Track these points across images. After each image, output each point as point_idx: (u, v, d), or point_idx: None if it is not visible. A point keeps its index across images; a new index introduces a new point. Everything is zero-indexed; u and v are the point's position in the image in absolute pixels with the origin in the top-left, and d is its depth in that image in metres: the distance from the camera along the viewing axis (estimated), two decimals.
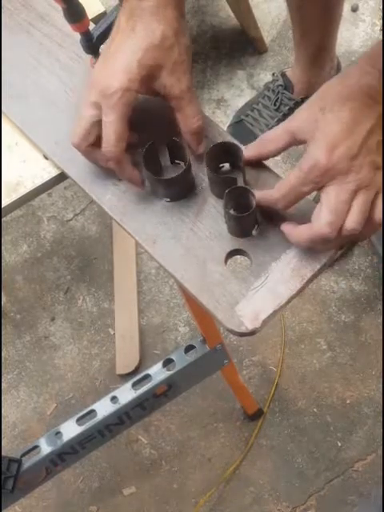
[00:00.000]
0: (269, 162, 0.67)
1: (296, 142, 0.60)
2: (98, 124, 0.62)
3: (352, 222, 0.57)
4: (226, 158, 0.66)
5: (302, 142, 0.59)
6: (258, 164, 0.66)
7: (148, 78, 0.61)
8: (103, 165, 0.66)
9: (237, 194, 0.61)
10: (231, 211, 0.61)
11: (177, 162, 0.68)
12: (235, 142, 0.65)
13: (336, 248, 0.62)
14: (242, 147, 0.65)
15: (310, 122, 0.58)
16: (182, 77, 0.61)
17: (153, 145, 0.65)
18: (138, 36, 0.60)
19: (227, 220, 0.64)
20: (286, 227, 0.61)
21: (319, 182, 0.57)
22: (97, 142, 0.64)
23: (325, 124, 0.57)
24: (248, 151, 0.64)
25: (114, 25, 0.63)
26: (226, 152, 0.65)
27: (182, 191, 0.66)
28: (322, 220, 0.56)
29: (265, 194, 0.61)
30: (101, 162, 0.66)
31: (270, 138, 0.62)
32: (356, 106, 0.57)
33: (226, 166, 0.68)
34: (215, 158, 0.64)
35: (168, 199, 0.67)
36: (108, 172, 0.69)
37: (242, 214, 0.60)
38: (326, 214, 0.56)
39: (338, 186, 0.56)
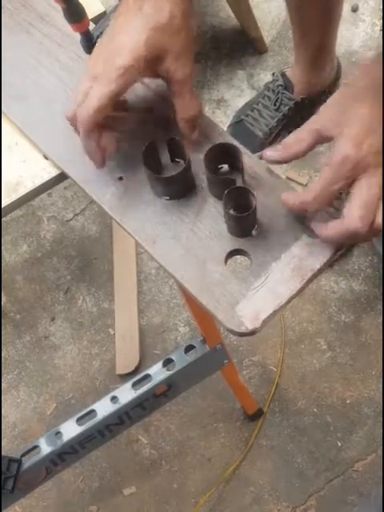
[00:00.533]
0: (269, 164, 0.66)
1: (322, 140, 0.60)
2: None
3: (381, 218, 0.57)
4: (225, 159, 0.66)
5: (329, 139, 0.59)
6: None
7: (153, 60, 0.60)
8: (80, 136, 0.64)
9: (237, 194, 0.61)
10: (231, 211, 0.61)
11: (177, 160, 0.68)
12: (234, 142, 0.65)
13: (362, 241, 0.62)
14: (241, 148, 0.65)
15: (334, 119, 0.58)
16: (186, 62, 0.61)
17: (152, 143, 0.65)
18: (146, 15, 0.59)
19: (227, 220, 0.64)
20: (316, 225, 0.61)
21: (350, 176, 0.57)
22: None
23: (351, 119, 0.57)
24: (272, 154, 0.62)
25: (120, 3, 0.62)
26: (225, 153, 0.65)
27: (181, 189, 0.66)
28: (355, 214, 0.56)
29: (296, 195, 0.60)
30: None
31: (294, 140, 0.61)
32: (377, 103, 0.57)
33: (225, 167, 0.68)
34: (214, 158, 0.64)
35: (167, 197, 0.67)
36: (108, 172, 0.69)
37: (242, 214, 0.60)
38: (358, 209, 0.56)
39: (368, 180, 0.56)
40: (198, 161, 0.66)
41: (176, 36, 0.60)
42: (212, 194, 0.67)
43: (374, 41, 1.70)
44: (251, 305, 0.61)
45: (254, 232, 0.64)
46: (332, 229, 0.59)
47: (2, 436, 1.45)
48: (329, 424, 1.38)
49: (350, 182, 0.57)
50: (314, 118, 0.60)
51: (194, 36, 0.62)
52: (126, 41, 0.59)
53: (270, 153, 0.62)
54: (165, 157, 0.68)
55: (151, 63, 0.60)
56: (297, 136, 0.61)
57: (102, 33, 0.72)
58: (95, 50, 0.63)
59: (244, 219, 0.61)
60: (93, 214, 1.65)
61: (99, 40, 0.64)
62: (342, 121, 0.57)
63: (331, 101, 0.60)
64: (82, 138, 0.63)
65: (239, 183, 0.64)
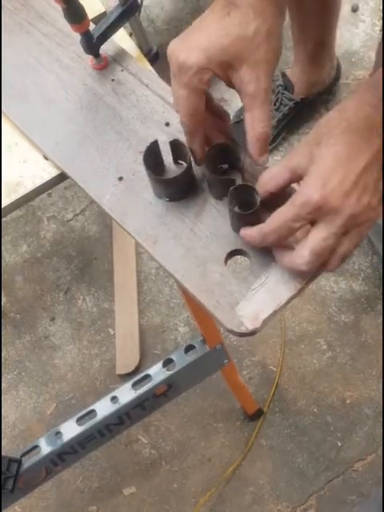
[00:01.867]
0: (269, 162, 0.66)
1: (297, 179, 0.58)
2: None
3: (332, 266, 0.57)
4: (225, 159, 0.66)
5: (303, 177, 0.57)
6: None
7: (227, 66, 0.59)
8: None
9: (241, 191, 0.61)
10: (236, 209, 0.61)
11: (180, 162, 0.68)
12: (233, 142, 0.65)
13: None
14: (242, 147, 0.65)
15: (306, 157, 0.56)
16: (262, 76, 0.59)
17: (155, 144, 0.65)
18: (231, 22, 0.58)
19: (231, 217, 0.64)
20: (277, 251, 0.60)
21: (311, 218, 0.55)
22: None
23: (319, 158, 0.55)
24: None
25: (209, 7, 0.61)
26: (226, 152, 0.65)
27: (181, 192, 0.66)
28: (303, 258, 0.56)
29: (256, 228, 0.59)
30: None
31: (269, 177, 0.60)
32: (352, 140, 0.54)
33: (225, 166, 0.68)
34: (214, 158, 0.64)
35: (167, 199, 0.67)
36: (108, 172, 0.69)
37: (247, 211, 0.60)
38: (308, 255, 0.55)
39: (327, 228, 0.54)
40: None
41: (257, 49, 0.58)
42: (212, 193, 0.67)
43: (374, 41, 1.70)
44: (251, 305, 0.61)
45: None
46: (288, 261, 0.58)
47: (2, 436, 1.45)
48: (329, 424, 1.38)
49: (312, 222, 0.56)
50: (288, 157, 0.59)
51: (276, 54, 0.60)
52: (203, 40, 0.58)
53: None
54: (168, 158, 0.68)
55: (225, 68, 0.59)
56: (272, 173, 0.60)
57: (102, 33, 0.72)
58: (171, 44, 0.61)
59: (248, 217, 0.61)
60: (93, 214, 1.65)
61: (179, 35, 0.62)
62: (312, 159, 0.56)
63: (305, 140, 0.58)
64: (188, 142, 0.63)
65: (239, 182, 0.64)
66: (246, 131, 0.61)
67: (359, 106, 0.55)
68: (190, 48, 0.58)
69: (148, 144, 0.64)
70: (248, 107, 0.60)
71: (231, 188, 0.60)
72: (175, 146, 0.66)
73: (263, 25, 0.58)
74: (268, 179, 0.60)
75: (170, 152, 0.67)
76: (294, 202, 0.56)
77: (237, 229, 0.64)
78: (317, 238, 0.55)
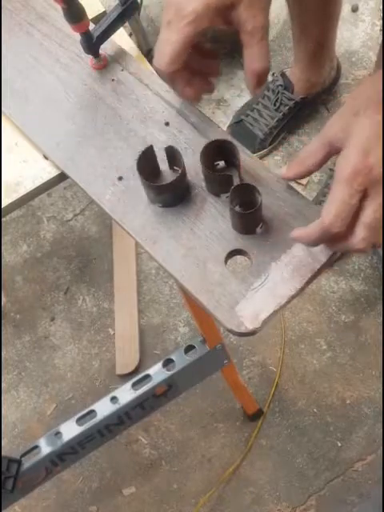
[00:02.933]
0: (268, 162, 0.66)
1: (335, 152, 0.59)
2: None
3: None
4: (221, 156, 0.66)
5: (340, 150, 0.58)
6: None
7: (224, 8, 0.60)
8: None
9: (242, 191, 0.61)
10: (236, 208, 0.61)
11: (176, 168, 0.68)
12: (230, 139, 0.65)
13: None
14: (238, 144, 0.65)
15: (343, 129, 0.57)
16: (258, 13, 0.60)
17: (150, 148, 0.64)
18: None
19: (232, 217, 0.64)
20: (297, 232, 0.59)
21: (363, 189, 0.55)
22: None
23: (359, 129, 0.56)
24: (288, 172, 0.62)
25: None
26: (222, 150, 0.65)
27: (174, 198, 0.66)
28: (356, 237, 0.55)
29: (312, 226, 0.58)
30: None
31: (308, 154, 0.60)
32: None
33: (221, 163, 0.68)
34: (210, 155, 0.64)
35: (160, 205, 0.66)
36: (108, 172, 0.69)
37: (247, 211, 0.60)
38: (361, 230, 0.55)
39: (375, 195, 0.54)
40: (196, 162, 0.66)
41: None
42: (210, 191, 0.66)
43: (373, 41, 1.70)
44: (251, 305, 0.61)
45: (258, 229, 0.64)
46: (340, 243, 0.57)
47: (2, 436, 1.45)
48: (329, 424, 1.38)
49: (365, 194, 0.55)
50: (324, 131, 0.60)
51: None
52: None
53: (285, 172, 0.62)
54: (165, 164, 0.68)
55: (223, 11, 0.60)
56: (309, 149, 0.60)
57: (102, 33, 0.72)
58: None
59: (249, 216, 0.61)
60: (93, 214, 1.65)
61: None
62: (350, 130, 0.56)
63: (339, 112, 0.59)
64: (171, 87, 0.65)
65: (236, 180, 0.64)
66: (245, 67, 0.63)
67: None
68: None
69: (143, 148, 0.63)
70: (246, 44, 0.61)
71: (232, 187, 0.60)
72: (170, 152, 0.65)
73: None
74: (306, 157, 0.60)
75: (165, 158, 0.67)
76: (341, 179, 0.55)
77: (237, 228, 0.64)
78: (367, 211, 0.55)
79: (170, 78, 0.64)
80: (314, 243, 0.59)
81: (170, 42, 0.61)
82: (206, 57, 0.68)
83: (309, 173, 0.61)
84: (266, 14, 0.61)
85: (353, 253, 0.59)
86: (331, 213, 0.55)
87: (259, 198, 0.60)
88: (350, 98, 0.59)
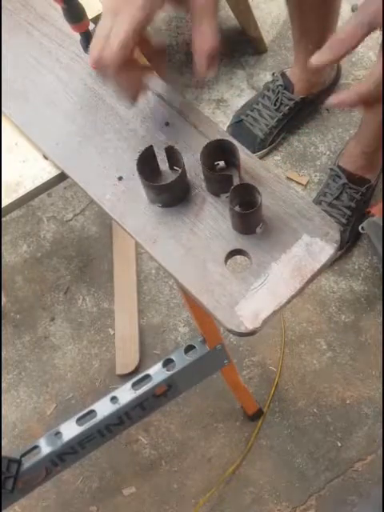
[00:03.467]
0: (268, 162, 0.66)
1: (372, 30, 0.57)
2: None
3: None
4: (221, 156, 0.66)
5: (377, 27, 0.56)
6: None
7: None
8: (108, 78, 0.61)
9: (242, 191, 0.61)
10: (236, 208, 0.61)
11: (176, 168, 0.68)
12: (230, 139, 0.65)
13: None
14: (237, 144, 0.65)
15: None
16: None
17: (150, 148, 0.64)
18: None
19: (232, 217, 0.64)
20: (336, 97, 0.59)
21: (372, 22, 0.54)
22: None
23: None
24: (320, 57, 0.58)
25: None
26: (221, 150, 0.65)
27: (174, 198, 0.66)
28: (373, 76, 0.56)
29: (354, 90, 0.58)
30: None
31: (345, 35, 0.57)
32: None
33: (221, 163, 0.68)
34: (210, 155, 0.64)
35: (160, 205, 0.66)
36: (108, 172, 0.69)
37: (247, 211, 0.60)
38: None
39: None
40: (196, 162, 0.66)
41: None
42: (210, 191, 0.67)
43: (373, 41, 1.70)
44: (251, 305, 0.61)
45: (258, 229, 0.64)
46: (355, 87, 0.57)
47: (2, 436, 1.45)
48: (329, 424, 1.38)
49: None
50: (361, 10, 0.57)
51: None
52: None
53: (318, 56, 0.58)
54: (165, 164, 0.68)
55: None
56: (348, 30, 0.57)
57: None
58: None
59: (249, 216, 0.61)
60: (93, 214, 1.65)
61: None
62: None
63: None
64: (112, 79, 0.60)
65: (236, 180, 0.64)
66: (194, 48, 0.59)
67: None
68: None
69: (143, 148, 0.63)
70: (197, 21, 0.58)
71: (232, 187, 0.60)
72: (170, 152, 0.65)
73: None
74: (344, 38, 0.57)
75: (165, 158, 0.67)
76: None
77: (238, 229, 0.64)
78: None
79: (118, 68, 0.58)
80: (353, 105, 0.59)
81: (125, 27, 0.56)
82: (152, 51, 0.64)
83: (343, 57, 0.58)
84: None
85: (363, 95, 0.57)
86: (350, 27, 0.55)
87: (259, 198, 0.60)
88: None
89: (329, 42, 0.58)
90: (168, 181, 0.63)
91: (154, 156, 0.66)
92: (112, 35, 0.57)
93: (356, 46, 0.58)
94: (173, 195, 0.65)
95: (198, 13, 0.58)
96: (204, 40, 0.58)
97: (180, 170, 0.63)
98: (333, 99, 0.59)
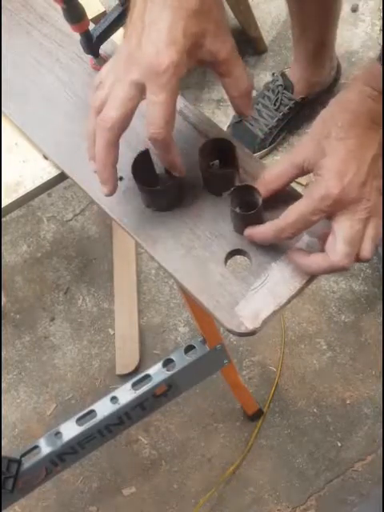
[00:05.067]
0: (268, 162, 0.66)
1: (303, 174, 0.59)
2: (135, 107, 0.57)
3: (366, 251, 0.57)
4: (219, 155, 0.66)
5: (310, 171, 0.59)
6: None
7: (194, 48, 0.56)
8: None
9: (243, 192, 0.61)
10: (237, 209, 0.61)
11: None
12: (229, 138, 0.65)
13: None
14: (238, 145, 0.65)
15: (315, 151, 0.58)
16: (226, 38, 0.57)
17: (146, 152, 0.64)
18: (173, 7, 0.54)
19: (232, 218, 0.63)
20: (297, 256, 0.60)
21: (330, 211, 0.56)
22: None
23: (332, 152, 0.56)
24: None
25: (136, 4, 0.57)
26: (220, 149, 0.65)
27: (168, 203, 0.66)
28: (340, 252, 0.56)
29: (267, 226, 0.59)
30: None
31: (276, 175, 0.61)
32: (360, 132, 0.56)
33: (216, 162, 0.68)
34: (209, 154, 0.64)
35: (155, 209, 0.66)
36: None
37: (248, 212, 0.60)
38: (343, 246, 0.56)
39: (350, 216, 0.56)
40: (194, 162, 0.66)
41: (209, 15, 0.56)
42: (210, 191, 0.66)
43: (373, 41, 1.70)
44: (251, 305, 0.61)
45: None
46: (315, 263, 0.58)
47: (2, 436, 1.45)
48: (329, 424, 1.38)
49: (330, 216, 0.57)
50: (293, 153, 0.59)
51: (222, 8, 0.58)
52: (163, 36, 0.54)
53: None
54: (162, 168, 0.67)
55: (193, 51, 0.56)
56: (277, 172, 0.61)
57: (101, 33, 0.72)
58: (125, 50, 0.57)
59: (250, 217, 0.61)
60: (93, 214, 1.65)
61: (124, 39, 0.58)
62: (324, 153, 0.57)
63: (311, 132, 0.59)
64: (164, 155, 0.59)
65: (235, 179, 0.64)
66: (230, 93, 0.59)
67: (361, 98, 0.57)
68: (155, 48, 0.54)
69: (138, 152, 0.63)
70: (225, 73, 0.58)
71: (232, 188, 0.60)
72: None
73: None
74: (273, 179, 0.61)
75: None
76: (312, 195, 0.56)
77: (238, 229, 0.64)
78: (344, 227, 0.56)
79: (167, 142, 0.56)
80: (265, 241, 0.61)
81: (161, 104, 0.54)
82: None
83: (271, 194, 0.61)
84: (231, 38, 0.58)
85: (339, 270, 0.59)
86: (289, 219, 0.57)
87: (259, 199, 0.60)
88: (320, 121, 0.59)
89: (260, 179, 0.61)
90: (163, 185, 0.63)
91: (150, 160, 0.66)
92: (154, 112, 0.56)
93: (286, 185, 0.61)
94: (166, 201, 0.65)
95: (225, 64, 0.57)
96: (236, 86, 0.59)
97: (175, 175, 0.63)
98: (246, 231, 0.62)
